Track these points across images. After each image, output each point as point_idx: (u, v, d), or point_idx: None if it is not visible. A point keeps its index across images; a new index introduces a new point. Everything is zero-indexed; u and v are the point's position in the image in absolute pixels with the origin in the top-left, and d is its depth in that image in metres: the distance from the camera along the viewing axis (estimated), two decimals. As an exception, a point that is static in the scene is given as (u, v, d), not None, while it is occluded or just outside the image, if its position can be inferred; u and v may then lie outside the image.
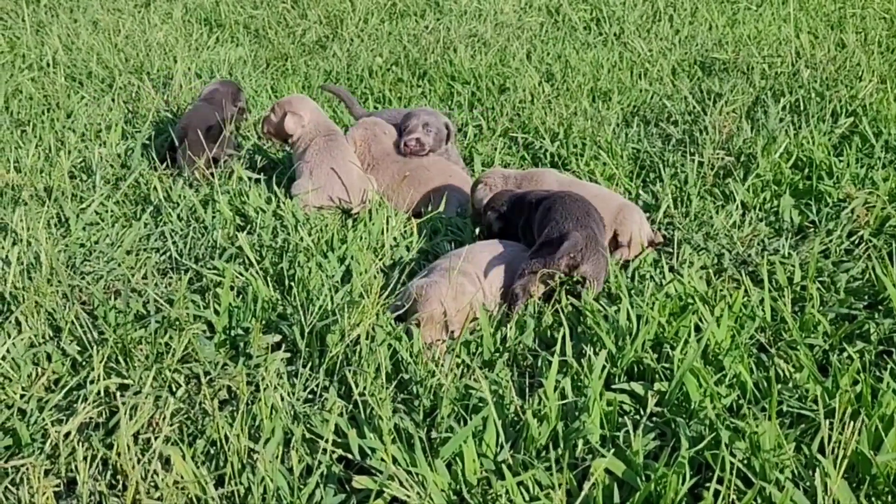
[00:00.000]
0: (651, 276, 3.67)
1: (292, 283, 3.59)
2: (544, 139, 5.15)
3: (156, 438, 2.63)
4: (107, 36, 7.44)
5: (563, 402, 2.74)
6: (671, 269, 3.69)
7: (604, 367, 2.86)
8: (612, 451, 2.57)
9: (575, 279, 3.45)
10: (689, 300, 3.31)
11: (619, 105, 5.67)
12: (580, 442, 2.64)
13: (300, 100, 4.78)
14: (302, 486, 2.51)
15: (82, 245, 4.09)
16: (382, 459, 2.56)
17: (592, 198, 3.83)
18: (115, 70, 6.50)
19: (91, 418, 2.82)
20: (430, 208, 4.36)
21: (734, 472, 2.39)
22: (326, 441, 2.61)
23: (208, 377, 2.92)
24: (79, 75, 6.50)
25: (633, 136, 5.20)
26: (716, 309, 3.20)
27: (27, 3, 8.21)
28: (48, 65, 6.63)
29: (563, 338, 3.02)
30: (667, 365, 2.95)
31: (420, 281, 3.42)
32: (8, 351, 3.12)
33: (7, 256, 3.64)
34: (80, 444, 2.63)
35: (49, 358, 3.19)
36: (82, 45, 7.10)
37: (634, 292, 3.40)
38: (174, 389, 2.95)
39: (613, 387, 2.88)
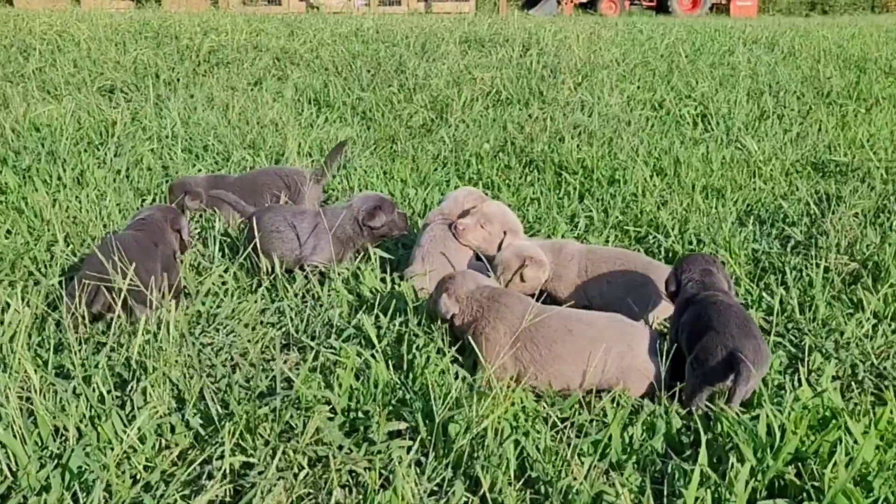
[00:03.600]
0: (782, 385, 3.51)
1: (411, 368, 3.54)
2: (656, 235, 5.08)
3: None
4: (221, 112, 7.71)
5: (705, 516, 2.60)
6: (806, 380, 3.51)
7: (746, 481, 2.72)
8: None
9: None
10: (828, 413, 3.15)
11: (733, 203, 5.57)
12: (724, 561, 2.50)
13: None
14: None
15: (200, 315, 4.13)
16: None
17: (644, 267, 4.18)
18: (229, 145, 6.70)
19: (217, 496, 2.79)
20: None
21: None
22: (458, 539, 2.52)
23: (336, 461, 2.86)
24: (195, 148, 6.71)
25: (749, 235, 5.08)
26: (859, 425, 3.04)
27: (148, 78, 8.58)
28: (167, 137, 6.87)
29: (700, 447, 2.89)
30: (813, 483, 2.79)
31: None
32: (133, 420, 3.13)
33: (135, 325, 3.70)
34: (210, 523, 2.59)
35: (172, 430, 3.19)
36: (199, 119, 7.35)
37: (771, 401, 3.25)
38: (297, 471, 2.90)
39: (758, 503, 2.73)
